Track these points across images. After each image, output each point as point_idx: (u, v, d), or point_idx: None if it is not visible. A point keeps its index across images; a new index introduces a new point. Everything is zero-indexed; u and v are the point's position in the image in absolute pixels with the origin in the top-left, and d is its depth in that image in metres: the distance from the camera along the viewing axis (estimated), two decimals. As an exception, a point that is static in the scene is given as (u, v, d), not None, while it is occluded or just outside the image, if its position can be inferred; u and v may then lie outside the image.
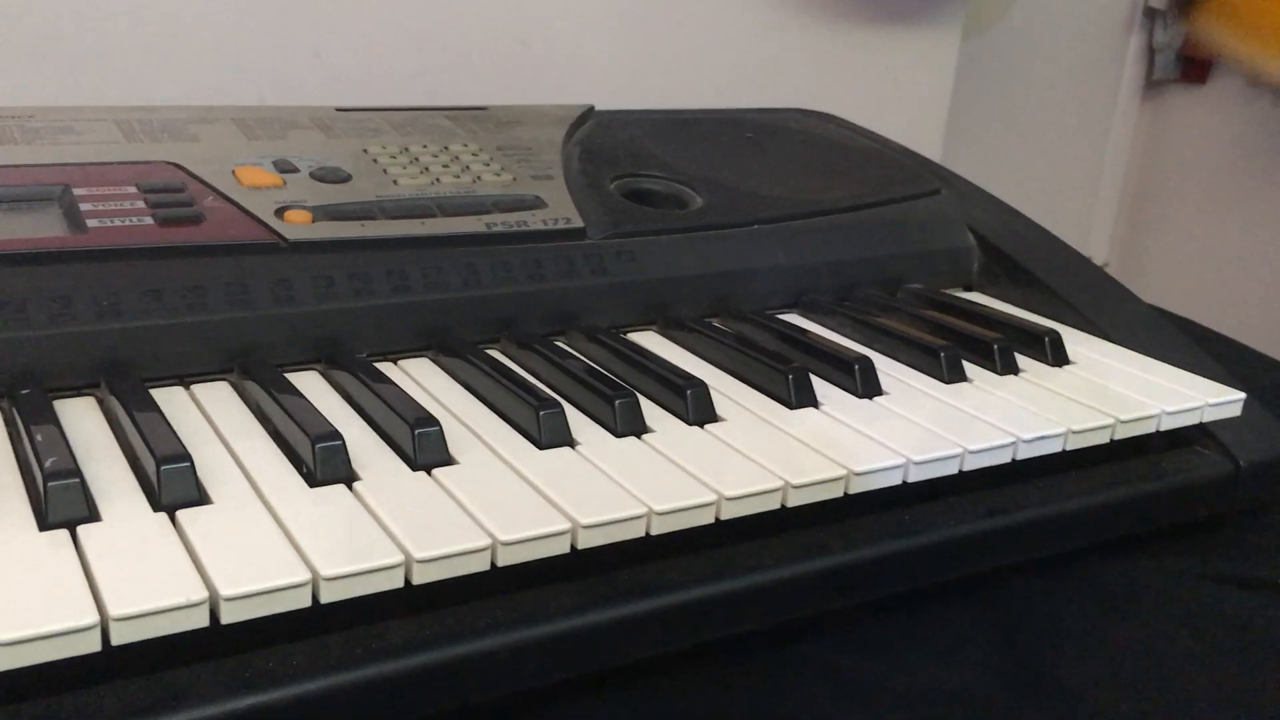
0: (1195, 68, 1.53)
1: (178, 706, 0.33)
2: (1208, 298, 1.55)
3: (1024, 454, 0.49)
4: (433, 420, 0.43)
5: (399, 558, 0.36)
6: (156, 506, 0.38)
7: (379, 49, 0.88)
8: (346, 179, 0.59)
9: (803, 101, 0.92)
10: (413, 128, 0.68)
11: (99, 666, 0.33)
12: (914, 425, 0.48)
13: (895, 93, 1.15)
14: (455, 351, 0.52)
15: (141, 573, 0.34)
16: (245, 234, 0.53)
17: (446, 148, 0.66)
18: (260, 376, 0.47)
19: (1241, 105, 1.51)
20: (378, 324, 0.52)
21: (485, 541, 0.37)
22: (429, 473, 0.41)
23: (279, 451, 0.42)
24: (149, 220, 0.52)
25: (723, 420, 0.48)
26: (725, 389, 0.51)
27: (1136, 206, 1.65)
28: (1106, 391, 0.54)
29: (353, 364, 0.49)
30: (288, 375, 0.48)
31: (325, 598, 0.35)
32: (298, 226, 0.54)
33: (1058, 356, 0.57)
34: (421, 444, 0.42)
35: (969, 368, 0.55)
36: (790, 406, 0.50)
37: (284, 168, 0.59)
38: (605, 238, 0.59)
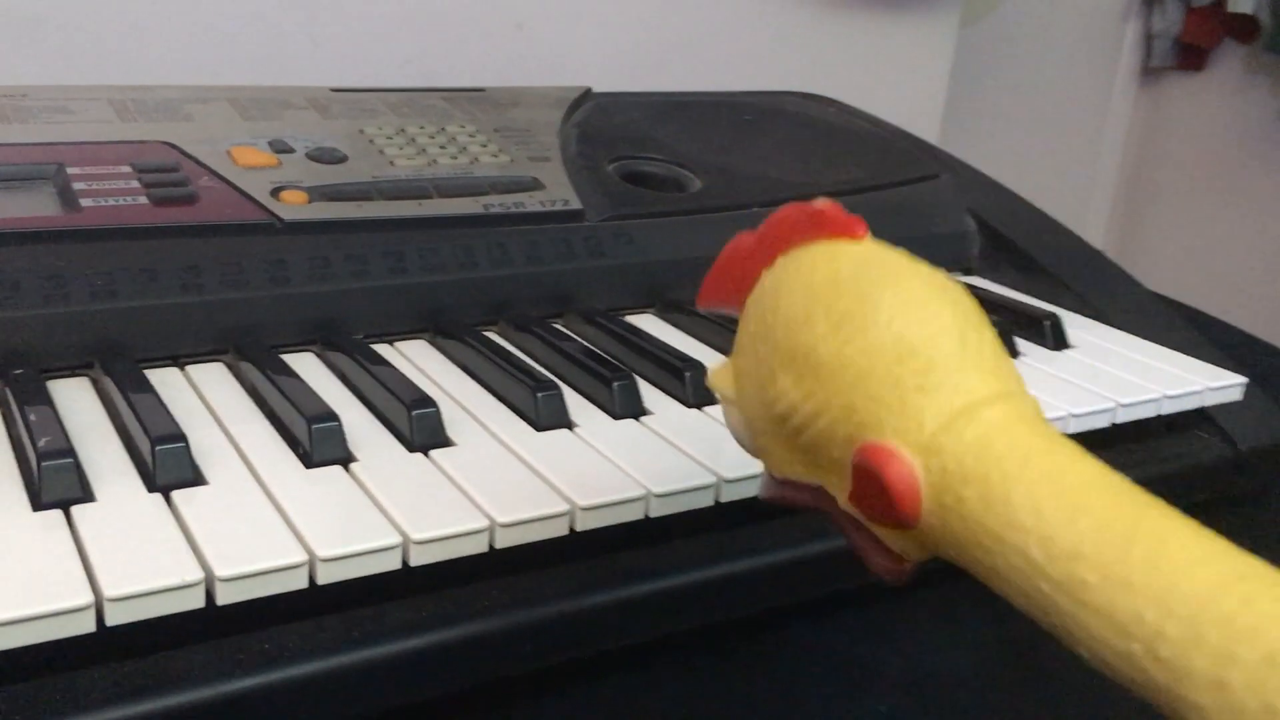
0: (1192, 55, 1.53)
1: (173, 688, 0.32)
2: (1203, 283, 1.55)
3: (1024, 438, 0.48)
4: (430, 401, 0.42)
5: (396, 539, 0.36)
6: (151, 487, 0.37)
7: (373, 33, 0.88)
8: (343, 159, 0.59)
9: (800, 86, 0.92)
10: (409, 109, 0.68)
11: (93, 648, 0.32)
12: (914, 408, 0.48)
13: (892, 78, 1.15)
14: (452, 333, 0.51)
15: (136, 553, 0.33)
16: (240, 214, 0.52)
17: (443, 129, 0.65)
18: (256, 357, 0.46)
19: (1238, 93, 1.51)
20: (374, 305, 0.51)
21: (483, 523, 0.37)
22: (426, 454, 0.41)
23: (275, 433, 0.42)
24: (143, 200, 0.51)
25: (722, 403, 0.48)
26: (724, 372, 0.51)
27: (1133, 193, 1.65)
28: (1107, 375, 0.53)
29: (349, 345, 0.49)
30: (283, 356, 0.47)
31: (322, 579, 0.34)
32: (294, 207, 0.53)
33: (1058, 340, 0.57)
34: (418, 425, 0.42)
35: (968, 351, 0.55)
36: (789, 389, 0.50)
37: (280, 148, 0.59)
38: (603, 220, 0.59)
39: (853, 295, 0.26)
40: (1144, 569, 0.21)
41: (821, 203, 0.29)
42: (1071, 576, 0.22)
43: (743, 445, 0.30)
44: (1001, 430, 0.24)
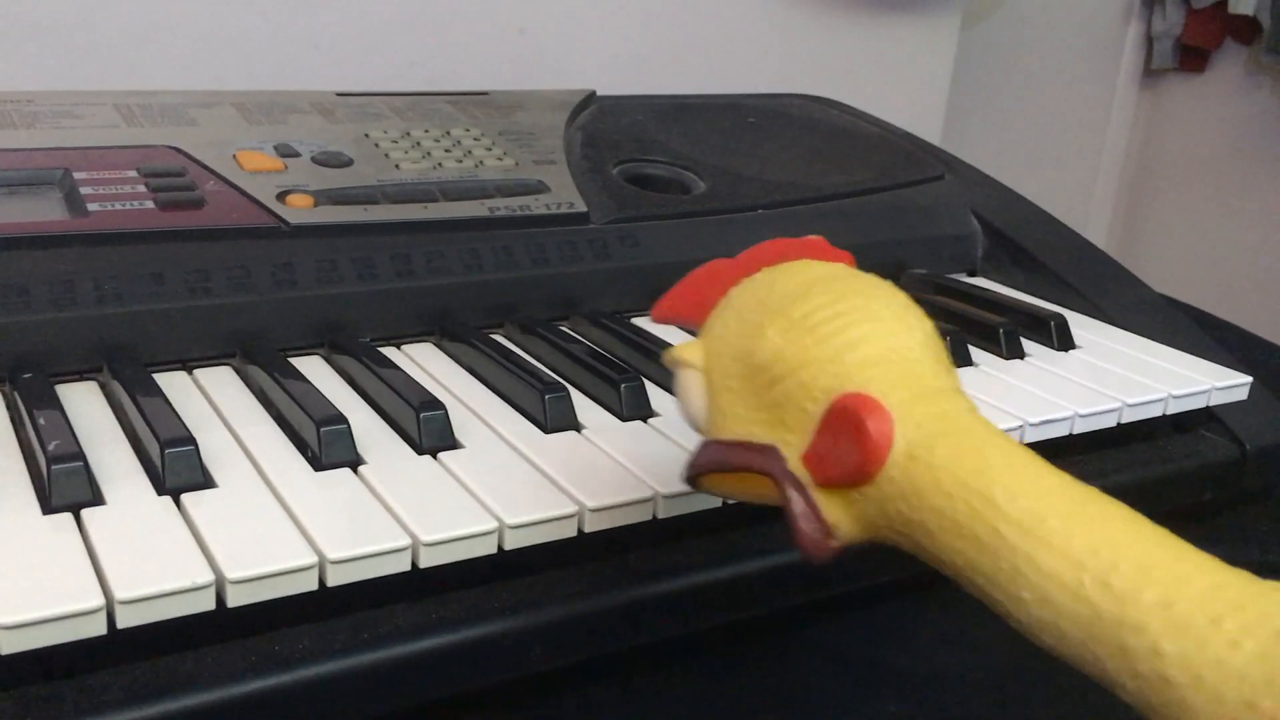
0: (1194, 56, 1.53)
1: (183, 690, 0.32)
2: (1205, 283, 1.55)
3: (1030, 438, 0.48)
4: (438, 404, 0.43)
5: (405, 541, 0.36)
6: (161, 490, 0.37)
7: (376, 38, 0.88)
8: (348, 163, 0.59)
9: (802, 87, 0.92)
10: (414, 112, 0.68)
11: (104, 650, 0.32)
12: (920, 409, 0.48)
13: (894, 79, 1.15)
14: (459, 336, 0.51)
15: (147, 556, 0.33)
16: (247, 218, 0.52)
17: (448, 132, 0.65)
18: (264, 361, 0.46)
19: (1240, 94, 1.51)
20: (381, 308, 0.52)
21: (492, 525, 0.37)
22: (434, 456, 0.41)
23: (283, 435, 0.42)
24: (150, 204, 0.52)
25: (728, 404, 0.48)
26: (730, 373, 0.51)
27: (1134, 194, 1.65)
28: (1112, 375, 0.54)
29: (356, 348, 0.49)
30: (291, 359, 0.47)
31: (332, 581, 0.35)
32: (299, 210, 0.53)
33: (1063, 340, 0.57)
34: (426, 427, 0.42)
35: (974, 352, 0.55)
36: (796, 391, 0.50)
37: (285, 152, 0.59)
38: (608, 222, 0.59)
39: (851, 292, 0.29)
40: (1100, 520, 0.24)
41: (812, 237, 0.33)
42: (1033, 515, 0.25)
43: (691, 416, 0.32)
44: (968, 410, 0.28)
